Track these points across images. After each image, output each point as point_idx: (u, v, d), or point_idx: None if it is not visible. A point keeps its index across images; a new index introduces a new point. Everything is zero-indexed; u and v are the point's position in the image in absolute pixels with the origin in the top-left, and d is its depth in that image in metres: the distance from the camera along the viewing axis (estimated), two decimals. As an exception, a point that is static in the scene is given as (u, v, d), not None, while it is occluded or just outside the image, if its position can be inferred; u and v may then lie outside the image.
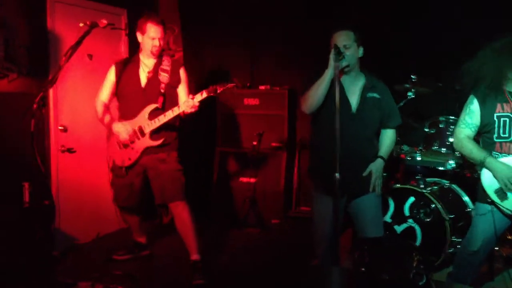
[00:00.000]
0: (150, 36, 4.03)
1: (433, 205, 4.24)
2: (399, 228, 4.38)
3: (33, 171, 3.77)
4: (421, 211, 4.31)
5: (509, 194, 3.25)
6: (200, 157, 6.13)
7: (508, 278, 4.20)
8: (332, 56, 3.19)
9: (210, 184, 5.99)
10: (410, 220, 4.33)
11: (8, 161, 4.12)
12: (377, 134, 3.68)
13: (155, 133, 4.02)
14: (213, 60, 6.19)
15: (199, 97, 3.85)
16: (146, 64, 4.12)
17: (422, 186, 4.40)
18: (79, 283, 3.71)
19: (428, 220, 4.27)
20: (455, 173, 4.56)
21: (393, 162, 4.77)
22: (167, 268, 4.40)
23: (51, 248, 4.26)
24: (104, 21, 3.44)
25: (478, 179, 3.52)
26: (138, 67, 4.13)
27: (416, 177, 4.58)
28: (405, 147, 4.78)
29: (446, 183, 4.61)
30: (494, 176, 3.27)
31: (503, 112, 3.33)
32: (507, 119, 3.31)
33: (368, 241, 3.43)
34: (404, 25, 5.23)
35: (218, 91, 3.85)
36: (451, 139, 4.42)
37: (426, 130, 4.67)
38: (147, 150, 4.05)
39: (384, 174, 3.68)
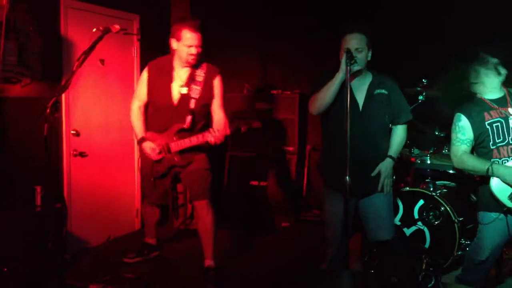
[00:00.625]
0: (186, 43, 3.80)
1: (442, 208, 4.25)
2: (408, 231, 4.38)
3: (45, 175, 3.83)
4: (430, 213, 4.31)
5: None
6: (210, 161, 6.15)
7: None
8: (344, 60, 3.18)
9: (220, 188, 6.01)
10: (419, 223, 4.33)
11: (21, 165, 4.18)
12: (389, 132, 3.68)
13: (182, 153, 3.98)
14: (225, 64, 6.21)
15: (227, 131, 3.83)
16: (180, 75, 3.96)
17: (431, 189, 4.41)
18: (90, 286, 3.75)
19: (437, 222, 4.27)
20: (465, 176, 4.55)
21: (403, 165, 4.78)
22: (178, 272, 4.41)
23: (63, 251, 4.29)
24: (117, 27, 3.46)
25: (479, 190, 3.53)
26: (171, 79, 3.96)
27: (426, 180, 4.59)
28: (416, 151, 4.80)
29: (455, 186, 4.61)
30: (504, 182, 3.28)
31: (493, 119, 3.39)
32: (499, 124, 3.36)
33: (378, 244, 3.43)
34: (415, 28, 5.24)
35: (242, 131, 3.90)
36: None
37: (436, 133, 4.68)
38: (174, 167, 4.06)
39: (394, 177, 3.68)
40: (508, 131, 3.35)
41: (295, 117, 5.79)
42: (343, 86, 3.18)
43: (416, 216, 4.37)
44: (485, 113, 3.40)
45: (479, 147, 3.46)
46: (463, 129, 3.45)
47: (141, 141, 4.04)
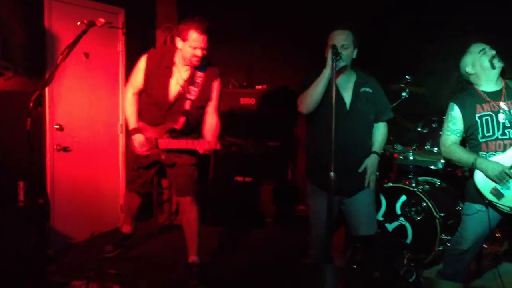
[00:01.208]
0: (192, 45, 3.72)
1: (424, 204, 4.30)
2: (390, 226, 4.43)
3: (28, 169, 3.80)
4: (413, 209, 4.36)
5: (505, 192, 3.29)
6: (195, 156, 6.15)
7: (497, 275, 4.25)
8: (329, 57, 3.21)
9: (205, 183, 6.01)
10: (402, 218, 4.38)
11: (4, 160, 4.15)
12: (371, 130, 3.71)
13: (168, 152, 3.94)
14: (210, 59, 6.19)
15: (218, 145, 3.80)
16: (180, 73, 3.88)
17: (414, 185, 4.45)
18: (73, 282, 3.73)
19: (419, 218, 4.33)
20: (447, 172, 4.61)
21: (386, 161, 4.82)
22: (162, 267, 4.42)
23: (46, 247, 4.27)
24: (102, 20, 3.43)
25: (468, 179, 3.58)
26: (170, 75, 3.88)
27: (409, 176, 4.64)
28: (399, 147, 4.84)
29: (437, 182, 4.67)
30: (487, 176, 3.32)
31: (483, 112, 3.40)
32: (489, 118, 3.38)
33: (361, 239, 3.47)
34: (399, 24, 5.28)
35: (232, 150, 3.96)
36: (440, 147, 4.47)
37: (419, 129, 4.72)
38: (159, 163, 4.05)
39: (377, 173, 3.72)
40: (497, 125, 3.36)
41: (281, 112, 5.80)
42: (331, 84, 3.20)
43: (398, 211, 4.41)
44: (478, 105, 3.42)
45: (469, 139, 3.49)
46: (454, 119, 3.47)
47: (132, 132, 3.97)
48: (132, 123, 3.99)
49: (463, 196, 3.69)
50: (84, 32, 3.26)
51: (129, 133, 4.04)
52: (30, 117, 2.98)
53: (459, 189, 4.57)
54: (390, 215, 4.43)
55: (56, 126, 4.72)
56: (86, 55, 4.98)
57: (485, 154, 3.39)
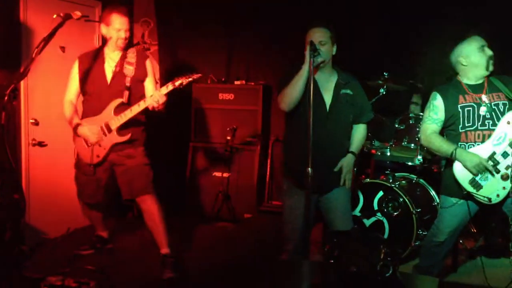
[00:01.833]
0: (116, 27, 3.92)
1: (401, 199, 4.35)
2: (367, 222, 4.47)
3: (2, 164, 3.74)
4: (390, 205, 4.41)
5: (482, 183, 3.34)
6: (173, 152, 6.13)
7: (471, 269, 4.33)
8: (308, 53, 3.24)
9: (183, 178, 5.99)
10: (379, 214, 4.42)
11: (-23, 154, 4.08)
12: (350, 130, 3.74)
13: (122, 129, 3.96)
14: (188, 55, 6.19)
15: (164, 89, 3.82)
16: (112, 57, 4.03)
17: (391, 180, 4.50)
18: (48, 278, 3.69)
19: (396, 213, 4.37)
20: (423, 168, 4.67)
21: (364, 157, 4.86)
22: (138, 262, 4.40)
23: (21, 243, 4.21)
24: (78, 13, 3.40)
25: (444, 172, 3.63)
26: (103, 61, 4.03)
27: (386, 172, 4.68)
28: (376, 143, 4.89)
29: (414, 178, 4.72)
30: (465, 167, 3.35)
31: (466, 103, 3.44)
32: (471, 109, 3.42)
33: (338, 234, 3.49)
34: (377, 22, 5.32)
35: (184, 84, 3.81)
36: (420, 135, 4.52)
37: (396, 126, 4.77)
38: (115, 146, 4.01)
39: (355, 169, 3.75)
40: (478, 116, 3.40)
41: (259, 108, 5.81)
42: (309, 81, 3.21)
43: (375, 207, 4.45)
44: (460, 96, 3.46)
45: (449, 129, 3.53)
46: (436, 109, 3.50)
47: (76, 127, 4.01)
48: (74, 120, 4.06)
49: (439, 190, 3.74)
50: (60, 25, 3.22)
51: (74, 131, 4.06)
52: (5, 111, 2.94)
53: (435, 185, 4.65)
54: (368, 210, 4.47)
55: (31, 121, 4.66)
56: (63, 48, 4.92)
57: (464, 145, 3.43)
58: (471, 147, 3.41)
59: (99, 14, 5.33)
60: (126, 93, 3.98)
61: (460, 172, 3.40)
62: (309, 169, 3.03)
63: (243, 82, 5.94)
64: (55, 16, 3.26)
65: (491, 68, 3.44)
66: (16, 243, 3.70)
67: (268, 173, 6.03)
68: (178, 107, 5.61)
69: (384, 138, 4.95)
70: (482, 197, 3.36)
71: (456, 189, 3.48)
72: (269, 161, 6.03)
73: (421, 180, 4.70)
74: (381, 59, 5.19)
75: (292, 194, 3.62)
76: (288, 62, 5.39)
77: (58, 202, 5.00)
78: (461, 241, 4.51)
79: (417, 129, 4.59)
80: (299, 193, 3.42)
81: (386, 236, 4.38)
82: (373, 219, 4.45)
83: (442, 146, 3.44)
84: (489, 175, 3.33)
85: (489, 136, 3.37)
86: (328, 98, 3.54)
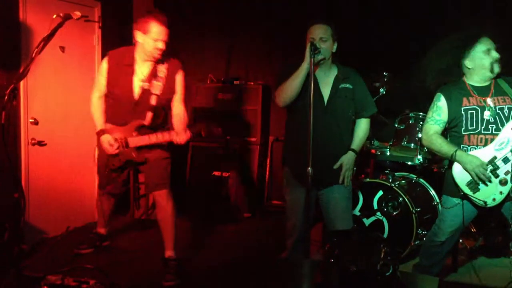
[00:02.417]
0: (153, 37, 3.69)
1: (401, 199, 4.35)
2: (367, 221, 4.47)
3: (2, 163, 3.74)
4: (389, 204, 4.41)
5: (480, 186, 3.34)
6: (173, 151, 6.12)
7: (471, 269, 4.33)
8: (308, 51, 3.24)
9: (183, 178, 5.99)
10: (378, 213, 4.42)
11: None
12: (353, 125, 3.72)
13: (140, 149, 3.91)
14: (188, 55, 6.19)
15: (188, 134, 3.79)
16: (142, 69, 3.86)
17: (390, 180, 4.50)
18: (48, 277, 3.69)
19: (395, 213, 4.37)
20: (423, 168, 4.67)
21: (364, 157, 4.86)
22: (139, 262, 4.39)
23: (20, 241, 4.21)
24: (78, 13, 3.39)
25: (445, 173, 3.63)
26: (132, 73, 3.86)
27: (385, 172, 4.68)
28: (376, 142, 4.89)
29: (413, 177, 4.72)
30: (465, 169, 3.35)
31: (470, 105, 3.42)
32: (474, 112, 3.41)
33: (338, 233, 3.49)
34: (377, 21, 5.32)
35: (203, 135, 3.86)
36: (420, 135, 4.52)
37: (396, 126, 4.77)
38: (130, 162, 3.99)
39: (354, 168, 3.75)
40: (481, 120, 3.39)
41: (258, 107, 5.81)
42: (309, 78, 3.22)
43: (375, 206, 4.45)
44: (464, 98, 3.44)
45: (452, 131, 3.52)
46: (439, 110, 3.49)
47: (100, 133, 3.95)
48: (99, 125, 3.97)
49: (440, 190, 3.73)
50: (59, 25, 3.21)
51: (97, 135, 4.01)
52: (5, 111, 2.94)
53: (435, 184, 4.65)
54: (367, 210, 4.47)
55: (31, 120, 4.66)
56: (62, 48, 4.92)
57: (466, 147, 3.42)
58: (472, 150, 3.40)
59: (99, 14, 5.34)
60: (150, 115, 3.87)
61: (459, 173, 3.40)
62: (309, 168, 3.03)
63: (243, 82, 5.94)
64: (54, 16, 3.25)
65: (496, 70, 3.41)
66: (15, 242, 3.70)
67: (267, 173, 6.03)
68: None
69: (384, 137, 4.95)
70: (477, 200, 3.37)
71: (456, 189, 3.48)
72: (268, 160, 6.04)
73: (421, 180, 4.70)
74: (381, 58, 5.19)
75: (293, 190, 3.63)
76: (287, 62, 5.40)
77: (58, 201, 5.00)
78: (461, 240, 4.52)
79: (417, 129, 4.59)
80: (299, 189, 3.42)
81: (385, 235, 4.37)
82: (372, 218, 4.45)
83: (443, 147, 3.44)
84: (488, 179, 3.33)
85: (492, 140, 3.36)
86: (326, 92, 3.54)
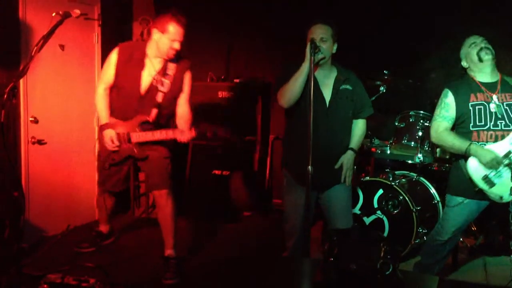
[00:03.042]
0: (171, 37, 3.73)
1: (401, 197, 4.34)
2: (367, 220, 4.47)
3: (2, 162, 3.73)
4: (389, 203, 4.40)
5: (496, 180, 3.33)
6: (172, 150, 6.11)
7: (472, 267, 4.33)
8: (308, 50, 3.23)
9: (183, 177, 5.99)
10: (379, 212, 4.42)
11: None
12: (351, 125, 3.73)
13: (141, 145, 3.91)
14: (188, 53, 6.15)
15: (193, 133, 3.79)
16: (153, 64, 3.85)
17: (391, 179, 4.50)
18: (48, 276, 3.69)
19: (395, 211, 4.37)
20: (423, 166, 4.67)
21: (364, 155, 4.86)
22: (139, 260, 4.39)
23: (20, 240, 4.20)
24: (77, 11, 3.38)
25: (448, 173, 3.62)
26: (142, 67, 3.85)
27: (386, 170, 4.68)
28: (376, 141, 4.88)
29: (414, 176, 4.71)
30: (480, 162, 3.33)
31: (477, 101, 3.42)
32: (482, 107, 3.40)
33: (338, 232, 3.48)
34: (378, 20, 5.32)
35: (208, 136, 3.85)
36: (420, 133, 4.51)
37: (396, 124, 4.76)
38: (131, 157, 3.99)
39: (354, 167, 3.75)
40: (490, 116, 3.39)
41: (259, 106, 5.80)
42: (309, 78, 3.21)
43: (375, 205, 4.45)
44: (472, 94, 3.44)
45: (459, 127, 3.51)
46: (447, 106, 3.48)
47: (103, 127, 3.93)
48: (104, 118, 3.94)
49: (440, 189, 3.73)
50: (59, 23, 3.21)
51: (100, 129, 3.99)
52: (4, 109, 2.93)
53: (435, 183, 4.65)
54: (368, 208, 4.47)
55: (31, 119, 4.65)
56: (62, 46, 4.90)
57: (475, 143, 3.41)
58: (483, 146, 3.39)
59: (98, 12, 5.32)
60: (155, 111, 3.86)
61: (474, 169, 3.38)
62: (309, 167, 3.03)
63: (243, 80, 5.93)
64: (54, 14, 3.25)
65: (485, 57, 3.41)
66: (15, 240, 3.70)
67: (267, 172, 6.02)
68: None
69: (384, 136, 4.94)
70: (494, 195, 3.35)
71: (463, 188, 3.48)
72: (268, 159, 6.03)
73: (421, 178, 4.69)
74: (382, 57, 5.18)
75: (292, 190, 3.63)
76: (287, 60, 5.39)
77: (58, 200, 4.99)
78: (461, 239, 4.51)
79: (417, 127, 4.58)
80: (299, 190, 3.42)
81: (386, 234, 4.37)
82: (373, 217, 4.45)
83: (455, 143, 3.42)
84: (503, 173, 3.31)
85: (502, 136, 3.35)
86: (327, 94, 3.54)
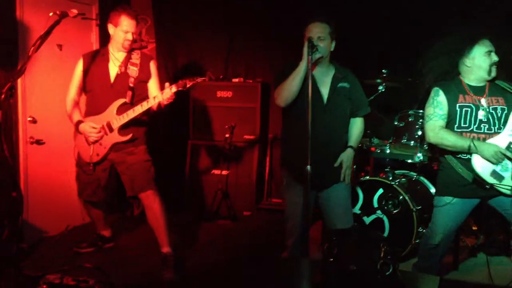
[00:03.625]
0: (123, 29, 3.96)
1: (401, 197, 4.33)
2: (367, 219, 4.45)
3: (0, 162, 3.72)
4: (389, 202, 4.39)
5: (504, 174, 3.33)
6: (172, 150, 6.11)
7: (472, 267, 4.32)
8: (305, 49, 3.22)
9: (182, 176, 5.98)
10: (379, 212, 4.41)
11: (-26, 153, 4.05)
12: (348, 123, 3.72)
13: (123, 129, 3.97)
14: (186, 52, 6.17)
15: (168, 92, 3.77)
16: (116, 57, 4.05)
17: (390, 178, 4.49)
18: (47, 276, 3.68)
19: (396, 211, 4.36)
20: (423, 166, 4.65)
21: (363, 154, 4.85)
22: (138, 260, 4.38)
23: (19, 240, 4.20)
24: (75, 11, 3.39)
25: (438, 174, 3.61)
26: (107, 60, 4.05)
27: (385, 170, 4.67)
28: (375, 140, 4.87)
29: (414, 175, 4.70)
30: (483, 157, 3.32)
31: (465, 103, 3.43)
32: (469, 110, 3.41)
33: (337, 232, 3.47)
34: (377, 19, 5.30)
35: (188, 86, 3.77)
36: (419, 132, 4.49)
37: (395, 123, 4.74)
38: (115, 145, 4.01)
39: (354, 166, 3.73)
40: (475, 119, 3.39)
41: (257, 105, 5.78)
42: (307, 77, 3.20)
43: (375, 205, 4.44)
44: (460, 95, 3.44)
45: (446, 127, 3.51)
46: (441, 104, 3.46)
47: (78, 124, 4.03)
48: (76, 118, 4.07)
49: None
50: (56, 23, 3.20)
51: (75, 128, 4.07)
52: (2, 109, 2.92)
53: (435, 182, 4.63)
54: (367, 208, 4.46)
55: (29, 119, 4.64)
56: (59, 46, 4.90)
57: (476, 140, 3.39)
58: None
59: (96, 12, 5.32)
60: (129, 93, 3.99)
61: (481, 166, 3.36)
62: (308, 167, 3.01)
63: (241, 79, 5.92)
64: (51, 14, 3.23)
65: (493, 74, 3.43)
66: (15, 241, 3.69)
67: (267, 171, 6.02)
68: (176, 105, 5.57)
69: (384, 135, 4.93)
70: (505, 188, 3.33)
71: (451, 187, 3.48)
72: (268, 158, 6.02)
73: (421, 178, 4.68)
74: (381, 56, 5.17)
75: (292, 189, 3.62)
76: (286, 59, 5.37)
77: (57, 200, 4.98)
78: (462, 238, 4.50)
79: (417, 126, 4.56)
80: (299, 188, 3.41)
81: (386, 234, 4.36)
82: (373, 216, 4.44)
83: (457, 141, 3.38)
84: (509, 166, 3.31)
85: (484, 139, 3.37)
86: (325, 91, 3.53)
